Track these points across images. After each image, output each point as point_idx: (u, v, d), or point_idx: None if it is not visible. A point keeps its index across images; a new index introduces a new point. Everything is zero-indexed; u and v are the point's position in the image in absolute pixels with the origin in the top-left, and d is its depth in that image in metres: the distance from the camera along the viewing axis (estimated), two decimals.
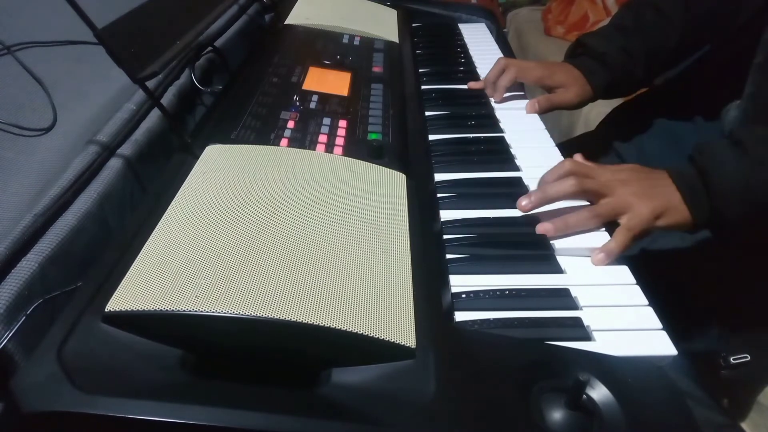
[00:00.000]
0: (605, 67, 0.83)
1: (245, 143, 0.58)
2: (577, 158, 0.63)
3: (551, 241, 0.56)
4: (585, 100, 0.84)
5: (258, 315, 0.37)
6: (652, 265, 0.79)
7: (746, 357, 0.66)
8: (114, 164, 0.55)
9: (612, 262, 0.54)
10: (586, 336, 0.46)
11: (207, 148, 0.55)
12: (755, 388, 0.74)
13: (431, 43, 1.07)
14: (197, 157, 0.53)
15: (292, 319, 0.37)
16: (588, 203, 0.58)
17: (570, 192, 0.57)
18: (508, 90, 0.83)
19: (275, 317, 0.37)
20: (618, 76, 0.84)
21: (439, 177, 0.65)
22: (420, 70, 0.94)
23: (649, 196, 0.57)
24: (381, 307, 0.40)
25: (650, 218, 0.56)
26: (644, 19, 0.84)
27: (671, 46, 0.83)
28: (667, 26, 0.83)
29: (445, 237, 0.56)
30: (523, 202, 0.58)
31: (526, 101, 0.82)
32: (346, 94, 0.71)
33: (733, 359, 0.66)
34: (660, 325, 0.47)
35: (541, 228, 0.56)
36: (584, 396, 0.38)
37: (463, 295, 0.49)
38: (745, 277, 0.70)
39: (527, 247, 0.56)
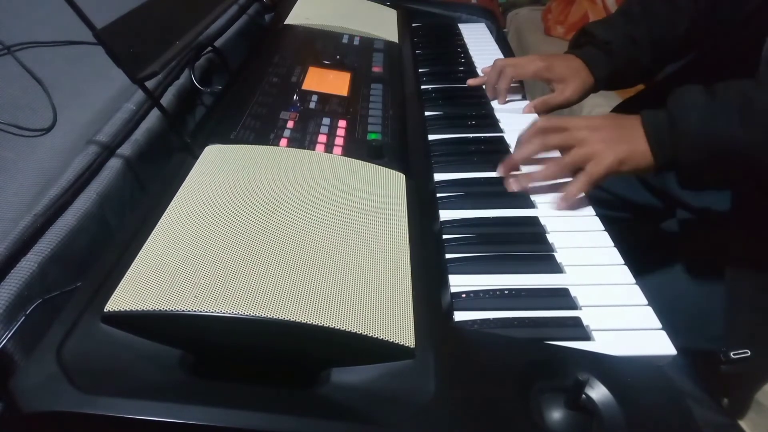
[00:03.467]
0: (610, 57, 0.81)
1: (245, 143, 0.58)
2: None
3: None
4: (585, 93, 0.82)
5: (257, 315, 0.37)
6: (654, 257, 0.79)
7: (746, 352, 0.66)
8: (114, 164, 0.55)
9: (574, 205, 0.60)
10: (586, 336, 0.46)
11: (207, 148, 0.55)
12: (754, 385, 0.74)
13: (431, 43, 1.07)
14: (197, 157, 0.53)
15: (292, 319, 0.37)
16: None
17: (533, 151, 0.62)
18: (509, 91, 0.83)
19: (274, 317, 0.37)
20: (622, 65, 0.82)
21: (438, 177, 0.65)
22: (420, 70, 0.94)
23: (616, 141, 0.60)
24: (380, 307, 0.40)
25: (614, 164, 0.60)
26: (652, 5, 0.83)
27: (679, 35, 0.81)
28: (676, 14, 0.81)
29: (444, 237, 0.56)
30: (499, 169, 0.64)
31: (526, 102, 0.82)
32: (345, 94, 0.71)
33: (733, 354, 0.66)
34: (659, 325, 0.47)
35: (506, 183, 0.62)
36: (583, 396, 0.38)
37: (463, 295, 0.49)
38: (746, 269, 0.70)
39: (527, 246, 0.56)
